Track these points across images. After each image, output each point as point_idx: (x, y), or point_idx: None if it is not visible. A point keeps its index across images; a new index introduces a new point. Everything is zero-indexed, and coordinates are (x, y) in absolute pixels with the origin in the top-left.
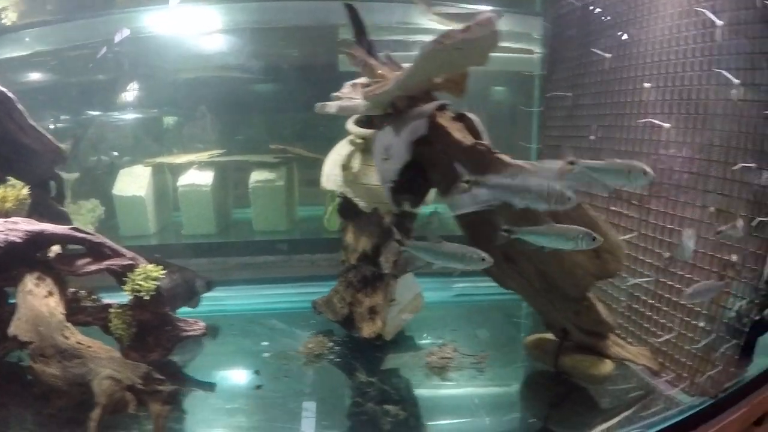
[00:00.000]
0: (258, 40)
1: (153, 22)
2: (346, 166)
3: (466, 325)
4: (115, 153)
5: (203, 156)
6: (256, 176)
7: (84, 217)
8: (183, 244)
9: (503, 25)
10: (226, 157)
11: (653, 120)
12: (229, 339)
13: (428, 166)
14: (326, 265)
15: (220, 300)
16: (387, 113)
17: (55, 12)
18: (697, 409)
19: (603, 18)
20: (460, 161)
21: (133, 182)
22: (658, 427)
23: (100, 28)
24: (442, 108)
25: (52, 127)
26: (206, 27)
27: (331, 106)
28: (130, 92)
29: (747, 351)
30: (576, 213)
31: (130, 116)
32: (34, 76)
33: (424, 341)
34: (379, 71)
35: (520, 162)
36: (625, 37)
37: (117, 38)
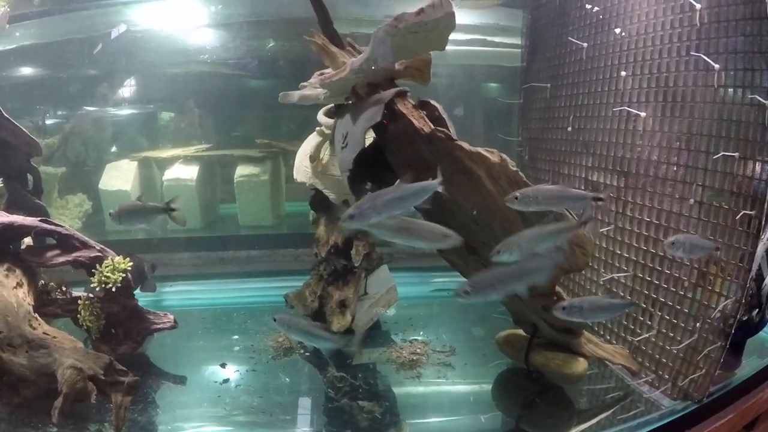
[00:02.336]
0: (246, 34)
1: (142, 16)
2: (314, 158)
3: (444, 321)
4: (114, 149)
5: (189, 150)
6: (241, 171)
7: (71, 212)
8: (169, 238)
9: (490, 18)
10: (212, 151)
11: (629, 109)
12: (200, 333)
13: (389, 153)
14: (310, 260)
15: (194, 294)
16: (349, 102)
17: (42, 5)
18: (681, 413)
19: (580, 6)
20: (419, 148)
21: (120, 176)
22: (646, 430)
23: (89, 22)
24: (402, 95)
25: (41, 123)
26: (195, 21)
27: (293, 95)
28: (120, 87)
29: (734, 353)
30: None
31: (118, 111)
32: (24, 70)
33: (398, 336)
34: (341, 59)
35: (479, 149)
36: (602, 25)
37: (114, 34)
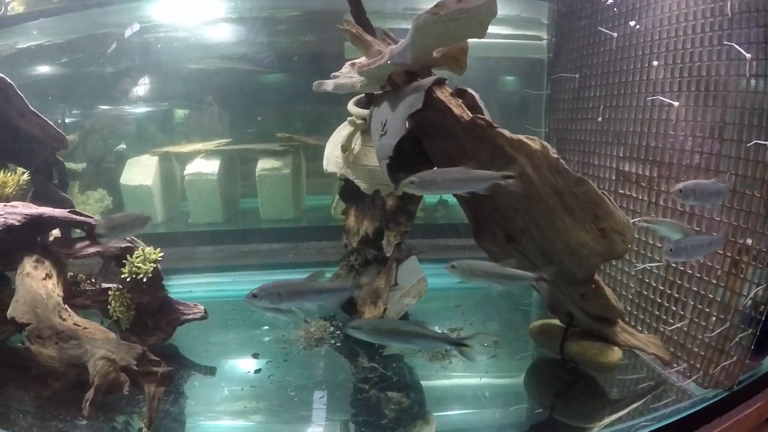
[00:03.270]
0: (263, 29)
1: (160, 13)
2: (345, 147)
3: (472, 312)
4: (123, 145)
5: (209, 145)
6: (263, 164)
7: (92, 208)
8: (191, 232)
9: (511, 9)
10: (233, 145)
11: (662, 98)
12: (229, 324)
13: (427, 142)
14: (332, 252)
15: (220, 285)
16: (384, 90)
17: (61, 2)
18: (711, 401)
19: None
20: (457, 136)
21: (140, 171)
22: (670, 420)
23: (106, 19)
24: (440, 83)
25: (61, 120)
26: (212, 16)
27: (328, 84)
28: (139, 84)
29: (764, 341)
30: (582, 190)
31: (138, 108)
32: (43, 68)
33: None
34: (376, 47)
35: (521, 136)
36: (632, 15)
37: (127, 33)
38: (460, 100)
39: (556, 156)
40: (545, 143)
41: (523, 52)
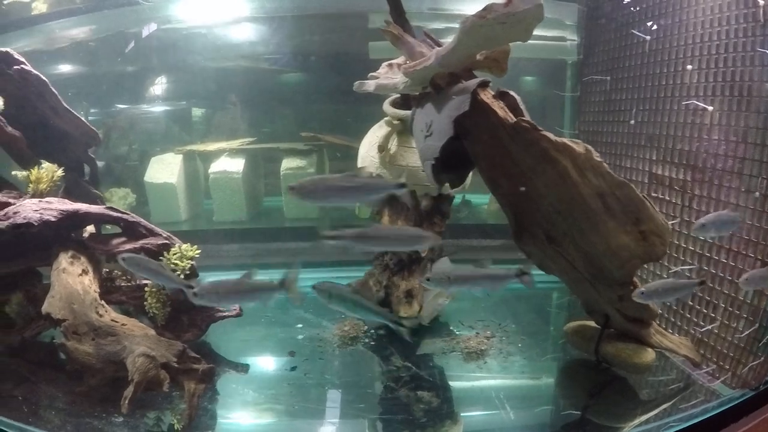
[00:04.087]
0: (287, 29)
1: (183, 12)
2: (382, 147)
3: (501, 313)
4: (134, 146)
5: (234, 143)
6: (287, 163)
7: (115, 205)
8: (216, 230)
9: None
10: (257, 144)
11: (697, 102)
12: (262, 321)
13: (469, 144)
14: (359, 252)
15: None
16: (425, 92)
17: (85, 2)
18: (738, 401)
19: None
20: (501, 138)
21: (165, 169)
22: (699, 419)
23: (129, 19)
24: (484, 85)
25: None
26: (236, 15)
27: (369, 84)
28: (160, 83)
29: None
30: (624, 193)
31: (160, 106)
32: (66, 66)
33: (459, 327)
34: (418, 49)
35: (565, 139)
36: (665, 19)
37: (144, 33)
38: (502, 102)
39: (599, 159)
40: (589, 146)
41: (544, 53)
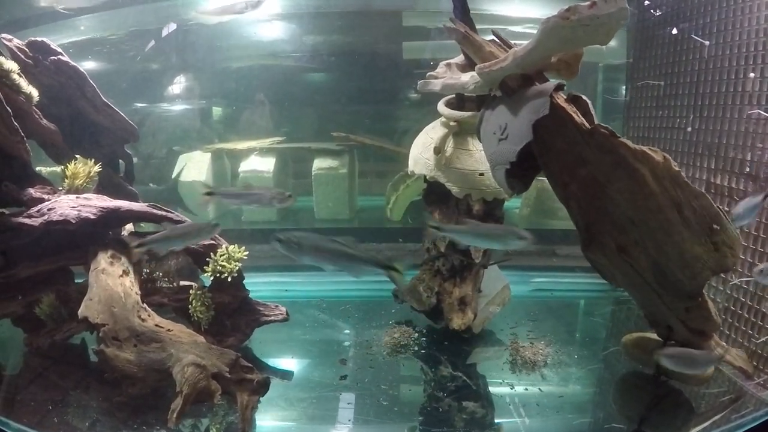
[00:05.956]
0: (318, 26)
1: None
2: (439, 149)
3: (550, 321)
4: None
5: (264, 142)
6: (319, 164)
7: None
8: (245, 230)
9: None
10: (287, 143)
11: (761, 112)
12: (307, 326)
13: (541, 149)
14: (393, 255)
15: (286, 285)
16: (492, 94)
17: None
18: None
19: (699, 3)
20: (575, 144)
21: (194, 167)
22: (748, 427)
23: (155, 15)
24: (559, 88)
25: None
26: (267, 12)
27: (435, 84)
28: (185, 82)
29: None
30: (700, 204)
31: (188, 105)
32: (89, 63)
33: (508, 336)
34: (488, 48)
35: (644, 148)
36: (726, 24)
37: (164, 32)
38: (574, 107)
39: (677, 169)
40: (667, 155)
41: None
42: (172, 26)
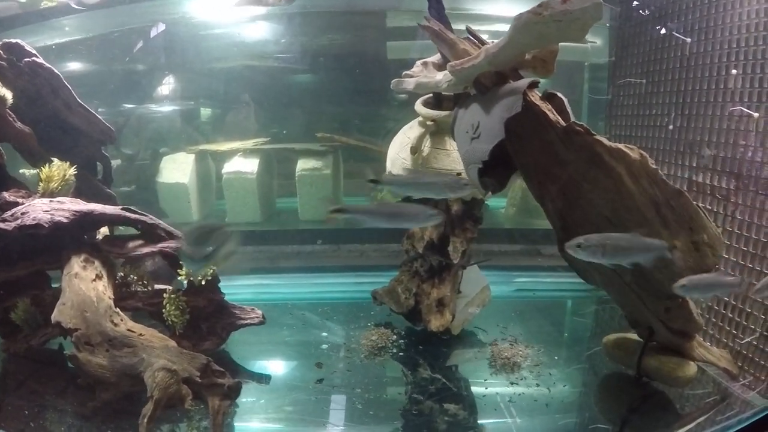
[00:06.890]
0: (301, 27)
1: (196, 10)
2: (415, 149)
3: (531, 322)
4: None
5: (248, 143)
6: (303, 164)
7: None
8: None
9: None
10: (271, 144)
11: (743, 108)
12: (284, 329)
13: (514, 147)
14: (375, 255)
15: (267, 288)
16: (465, 92)
17: None
18: None
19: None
20: (550, 141)
21: (177, 169)
22: (735, 428)
23: (142, 15)
24: (533, 86)
25: None
26: (250, 14)
27: (408, 83)
28: (170, 83)
29: None
30: (678, 202)
31: (172, 106)
32: (74, 64)
33: (488, 337)
34: (461, 46)
35: (620, 145)
36: (708, 21)
37: (153, 33)
38: (550, 105)
39: (654, 167)
40: (644, 153)
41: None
42: (161, 26)
